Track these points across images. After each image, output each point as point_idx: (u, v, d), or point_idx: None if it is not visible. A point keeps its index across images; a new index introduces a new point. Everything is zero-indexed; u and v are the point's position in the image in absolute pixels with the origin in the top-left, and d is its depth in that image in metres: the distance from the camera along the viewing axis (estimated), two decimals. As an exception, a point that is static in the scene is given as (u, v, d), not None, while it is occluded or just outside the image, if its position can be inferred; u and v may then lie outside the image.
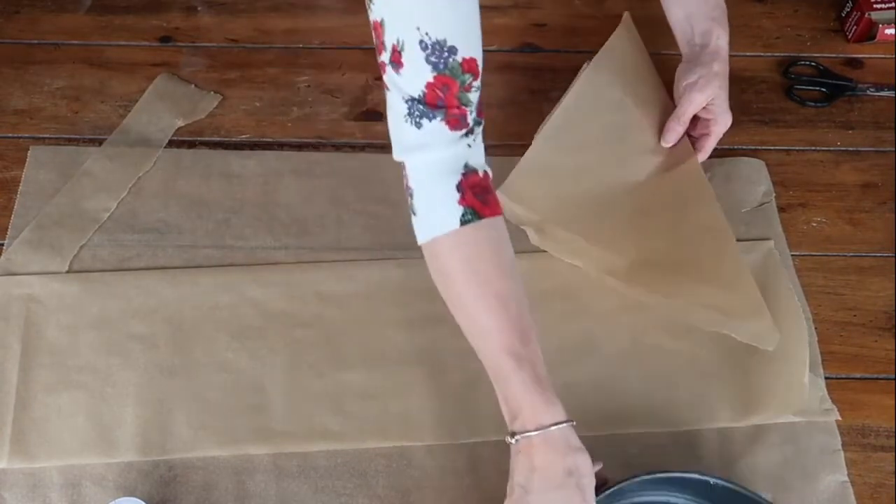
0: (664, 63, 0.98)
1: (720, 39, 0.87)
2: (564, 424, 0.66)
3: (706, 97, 0.86)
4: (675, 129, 0.89)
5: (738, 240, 0.91)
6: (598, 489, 0.68)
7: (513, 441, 0.67)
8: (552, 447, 0.65)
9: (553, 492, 0.64)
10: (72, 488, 0.76)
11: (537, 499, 0.64)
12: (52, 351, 0.82)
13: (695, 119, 0.90)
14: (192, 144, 0.97)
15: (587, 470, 0.66)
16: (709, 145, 0.90)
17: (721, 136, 0.89)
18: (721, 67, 0.87)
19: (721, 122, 0.88)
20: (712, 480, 0.72)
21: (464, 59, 0.64)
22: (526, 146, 0.91)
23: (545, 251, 0.90)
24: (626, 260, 0.85)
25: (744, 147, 1.00)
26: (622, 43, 0.97)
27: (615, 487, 0.70)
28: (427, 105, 0.66)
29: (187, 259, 0.89)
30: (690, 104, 0.86)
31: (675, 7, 0.89)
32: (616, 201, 0.88)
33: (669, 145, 0.90)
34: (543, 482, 0.64)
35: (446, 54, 0.63)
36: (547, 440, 0.65)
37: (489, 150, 0.93)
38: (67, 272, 0.87)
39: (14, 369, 0.81)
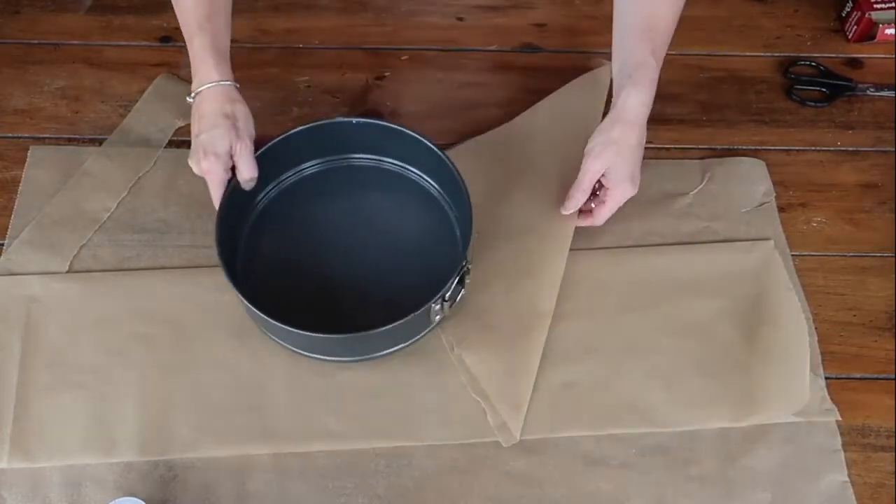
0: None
1: (628, 99, 0.80)
2: (229, 83, 0.80)
3: (602, 165, 0.82)
4: (575, 197, 0.85)
5: (738, 240, 0.92)
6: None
7: (190, 99, 0.81)
8: (215, 98, 0.80)
9: (213, 129, 0.79)
10: (72, 488, 0.76)
11: (203, 137, 0.79)
12: (53, 351, 0.82)
13: (600, 184, 0.86)
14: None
15: (242, 115, 0.80)
16: (602, 214, 0.86)
17: (619, 204, 0.84)
18: (619, 133, 0.81)
19: (617, 192, 0.83)
20: (355, 120, 0.86)
21: None
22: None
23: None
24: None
25: (744, 147, 1.00)
26: (576, 91, 0.99)
27: (276, 139, 0.85)
28: None
29: (187, 259, 0.89)
30: (586, 173, 0.83)
31: (614, 63, 0.85)
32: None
33: (567, 212, 0.86)
34: (206, 123, 0.79)
35: None
36: (212, 92, 0.80)
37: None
38: (67, 272, 0.87)
39: (14, 369, 0.81)
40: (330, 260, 0.87)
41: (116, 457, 0.78)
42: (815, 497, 0.78)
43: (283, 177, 0.90)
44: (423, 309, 0.76)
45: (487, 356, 0.83)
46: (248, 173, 0.81)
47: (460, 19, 1.11)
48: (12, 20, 1.08)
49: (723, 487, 0.78)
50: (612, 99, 0.83)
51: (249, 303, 0.76)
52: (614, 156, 0.81)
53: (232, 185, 0.81)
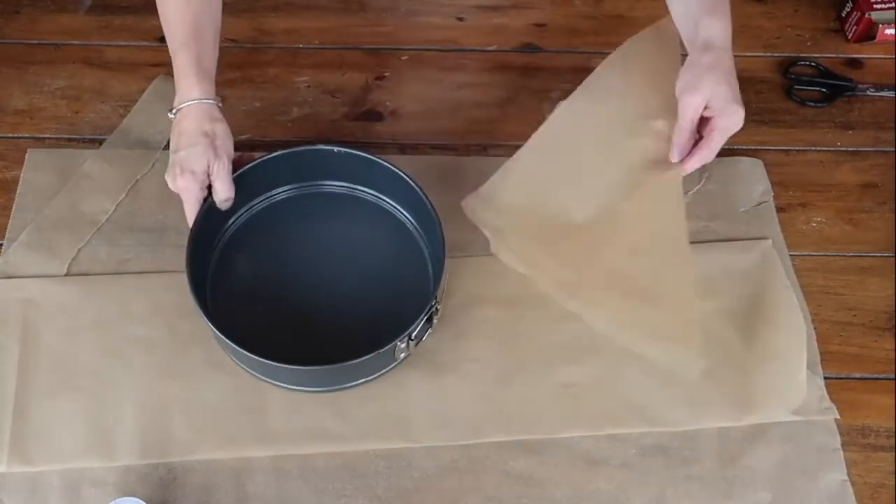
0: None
1: (711, 29, 0.78)
2: (211, 102, 0.80)
3: (702, 97, 0.76)
4: (680, 143, 0.78)
5: (736, 239, 0.92)
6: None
7: (172, 115, 0.80)
8: (196, 116, 0.79)
9: (192, 147, 0.78)
10: (71, 491, 0.76)
11: (181, 154, 0.78)
12: (51, 354, 0.82)
13: (703, 120, 0.81)
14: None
15: (223, 134, 0.80)
16: (714, 142, 0.78)
17: (731, 131, 0.77)
18: (712, 59, 0.77)
19: (725, 115, 0.76)
20: (336, 149, 0.85)
21: None
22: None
23: (545, 251, 0.90)
24: (576, 276, 0.82)
25: (743, 147, 1.00)
26: (644, 45, 0.89)
27: (250, 165, 0.84)
28: None
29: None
30: (687, 109, 0.77)
31: (675, 3, 0.83)
32: (586, 218, 0.83)
33: (676, 160, 0.79)
34: (185, 140, 0.78)
35: None
36: (193, 110, 0.79)
37: (489, 149, 0.94)
38: (66, 275, 0.87)
39: (12, 373, 0.81)
40: (298, 288, 0.86)
41: (115, 460, 0.78)
42: (815, 496, 0.78)
43: (255, 201, 0.89)
44: (387, 347, 0.76)
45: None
46: (224, 193, 0.81)
47: (460, 19, 1.11)
48: (12, 20, 1.08)
49: (723, 487, 0.78)
50: (687, 41, 0.80)
51: (216, 328, 0.76)
52: (714, 83, 0.75)
53: (206, 205, 0.81)
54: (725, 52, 0.78)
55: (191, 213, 0.80)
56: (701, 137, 0.78)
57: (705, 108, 0.76)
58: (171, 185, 0.80)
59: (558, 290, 0.82)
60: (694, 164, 0.78)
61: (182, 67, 0.80)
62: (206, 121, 0.79)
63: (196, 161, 0.78)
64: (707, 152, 0.78)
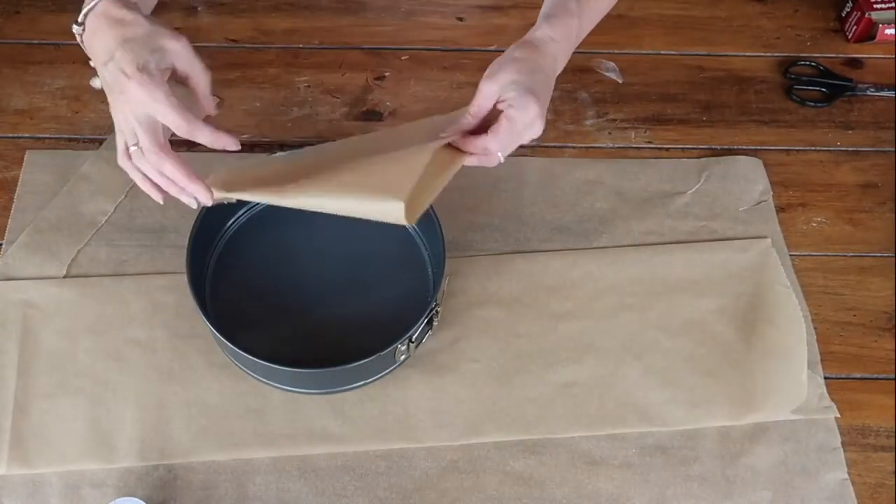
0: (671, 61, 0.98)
1: (537, 31, 0.72)
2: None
3: (497, 86, 0.68)
4: (463, 124, 0.71)
5: (735, 238, 0.92)
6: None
7: (80, 29, 0.67)
8: (109, 12, 0.65)
9: (127, 44, 0.63)
10: (71, 492, 0.76)
11: (118, 55, 0.63)
12: (50, 356, 0.82)
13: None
14: (190, 146, 0.97)
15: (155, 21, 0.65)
16: (501, 131, 0.69)
17: (521, 123, 0.69)
18: (521, 53, 0.70)
19: (516, 107, 0.68)
20: None
21: None
22: (525, 146, 0.90)
23: (544, 251, 0.90)
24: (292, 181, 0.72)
25: (743, 147, 1.00)
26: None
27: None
28: None
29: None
30: (478, 94, 0.69)
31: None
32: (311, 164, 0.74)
33: (445, 135, 0.70)
34: (111, 41, 0.64)
35: None
36: (105, 9, 0.65)
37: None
38: (65, 276, 0.87)
39: (12, 375, 0.81)
40: (298, 290, 0.85)
41: (115, 462, 0.77)
42: (815, 495, 0.78)
43: (253, 203, 0.88)
44: (388, 350, 0.76)
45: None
46: (204, 83, 0.67)
47: (460, 19, 1.11)
48: (12, 20, 1.08)
49: (723, 486, 0.78)
50: None
51: (216, 329, 0.75)
52: (513, 73, 0.68)
53: (203, 211, 0.80)
54: (539, 50, 0.71)
55: (173, 115, 0.64)
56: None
57: (501, 100, 0.69)
58: (116, 106, 0.65)
59: (267, 196, 0.72)
60: (470, 145, 0.70)
61: None
62: (125, 10, 0.64)
63: (139, 57, 0.63)
64: (491, 139, 0.69)
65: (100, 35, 0.65)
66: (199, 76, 0.67)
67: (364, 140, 0.81)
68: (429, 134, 0.72)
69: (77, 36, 0.67)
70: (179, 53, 0.65)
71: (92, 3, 0.66)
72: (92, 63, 0.67)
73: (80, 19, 0.66)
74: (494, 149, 0.70)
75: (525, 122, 0.69)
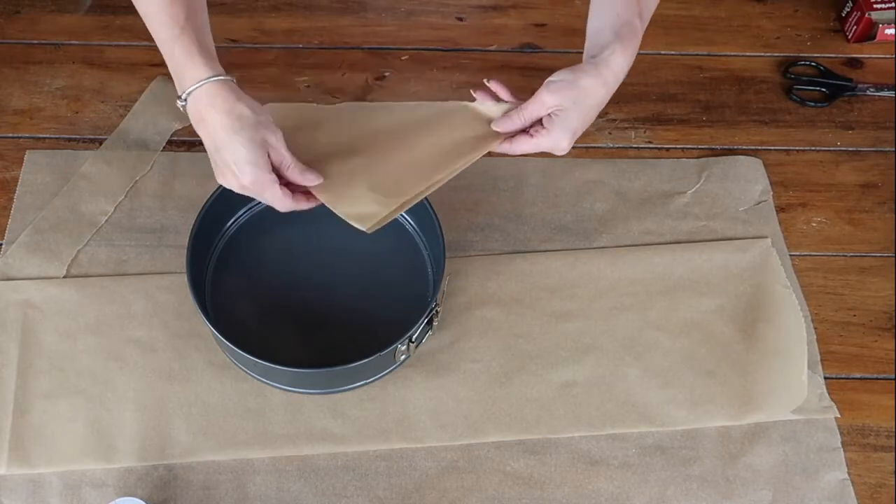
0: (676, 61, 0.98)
1: (614, 56, 0.73)
2: (227, 77, 0.68)
3: (555, 102, 0.72)
4: (514, 119, 0.75)
5: (735, 238, 0.92)
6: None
7: (181, 103, 0.69)
8: (215, 100, 0.67)
9: (234, 136, 0.67)
10: (71, 492, 0.76)
11: (226, 152, 0.67)
12: (50, 356, 0.82)
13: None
14: (190, 146, 0.97)
15: (259, 111, 0.69)
16: (522, 145, 0.75)
17: (541, 149, 0.75)
18: (590, 84, 0.73)
19: (550, 138, 0.73)
20: None
21: None
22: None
23: (544, 251, 0.90)
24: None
25: (743, 147, 1.00)
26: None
27: None
28: None
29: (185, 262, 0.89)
30: (536, 102, 0.74)
31: (593, 18, 0.78)
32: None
33: (499, 129, 0.75)
34: (222, 131, 0.67)
35: None
36: (209, 93, 0.67)
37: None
38: (65, 277, 0.87)
39: (12, 375, 0.81)
40: (298, 290, 0.86)
41: (116, 462, 0.78)
42: (815, 495, 0.78)
43: (255, 202, 0.86)
44: (388, 350, 0.76)
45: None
46: (302, 178, 0.71)
47: (460, 19, 1.11)
48: (12, 20, 1.08)
49: (723, 486, 0.78)
50: (587, 53, 0.76)
51: (216, 329, 0.75)
52: (571, 102, 0.72)
53: (207, 206, 0.80)
54: (605, 86, 0.74)
55: (278, 201, 0.70)
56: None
57: (549, 114, 0.74)
58: (234, 187, 0.70)
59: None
60: (496, 146, 0.76)
61: (185, 52, 0.68)
62: (231, 101, 0.67)
63: (249, 152, 0.67)
64: (514, 145, 0.75)
65: (205, 115, 0.68)
66: (290, 168, 0.71)
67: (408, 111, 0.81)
68: (464, 121, 0.77)
69: (180, 108, 0.70)
70: (276, 147, 0.69)
71: (197, 84, 0.68)
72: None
73: (182, 96, 0.69)
74: (514, 150, 0.76)
75: (552, 149, 0.74)
